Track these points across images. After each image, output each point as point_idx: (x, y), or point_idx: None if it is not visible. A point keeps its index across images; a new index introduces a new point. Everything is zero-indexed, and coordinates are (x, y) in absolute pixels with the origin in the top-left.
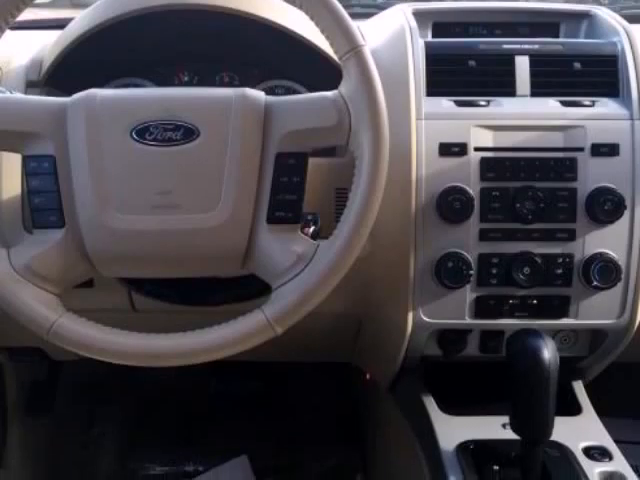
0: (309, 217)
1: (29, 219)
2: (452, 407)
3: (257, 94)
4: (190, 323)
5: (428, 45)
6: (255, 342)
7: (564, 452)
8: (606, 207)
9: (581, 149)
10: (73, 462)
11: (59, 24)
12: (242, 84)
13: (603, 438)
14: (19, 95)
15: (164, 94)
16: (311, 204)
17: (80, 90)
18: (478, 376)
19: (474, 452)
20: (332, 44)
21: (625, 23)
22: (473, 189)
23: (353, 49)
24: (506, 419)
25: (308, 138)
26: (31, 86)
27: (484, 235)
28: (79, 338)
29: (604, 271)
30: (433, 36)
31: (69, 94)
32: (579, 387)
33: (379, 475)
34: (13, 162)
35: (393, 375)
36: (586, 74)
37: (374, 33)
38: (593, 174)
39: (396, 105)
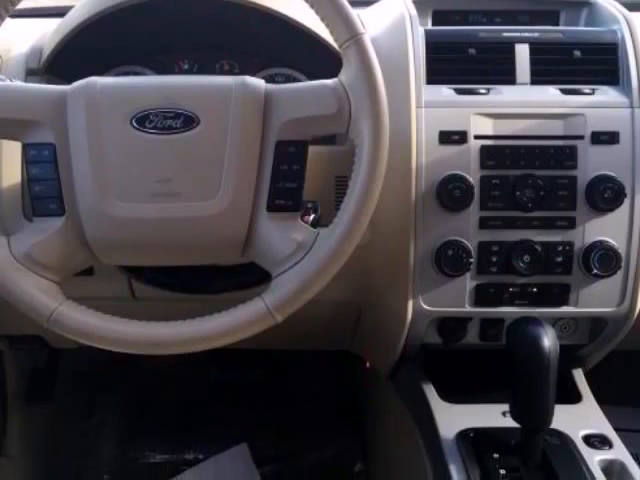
0: (309, 205)
1: (29, 207)
2: (452, 395)
3: (257, 82)
4: (190, 311)
5: (428, 33)
6: (255, 330)
7: (564, 440)
8: (606, 195)
9: (581, 137)
10: (73, 450)
11: (59, 12)
12: (242, 72)
13: (603, 426)
14: (19, 83)
15: (164, 82)
16: (311, 192)
17: (80, 78)
18: (478, 364)
19: (474, 440)
20: (332, 32)
21: (625, 11)
22: (473, 177)
23: (353, 37)
24: (506, 407)
25: (308, 126)
26: (31, 74)
27: (484, 223)
28: (79, 326)
29: (604, 259)
30: (433, 24)
31: (69, 82)
32: (579, 375)
33: (379, 463)
34: (13, 150)
35: (393, 363)
36: (586, 62)
37: (374, 21)
38: (593, 162)
39: (396, 93)
